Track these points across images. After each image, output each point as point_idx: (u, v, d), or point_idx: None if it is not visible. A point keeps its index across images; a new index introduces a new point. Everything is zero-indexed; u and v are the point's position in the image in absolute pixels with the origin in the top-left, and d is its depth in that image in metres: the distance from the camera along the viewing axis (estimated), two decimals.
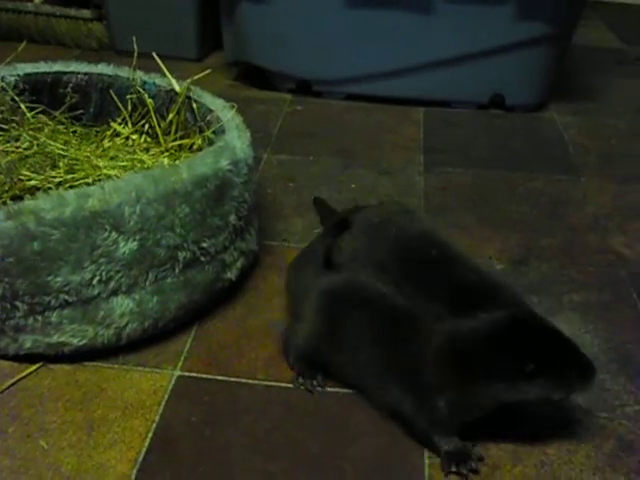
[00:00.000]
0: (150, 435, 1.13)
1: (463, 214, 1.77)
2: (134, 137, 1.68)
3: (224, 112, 1.50)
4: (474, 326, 1.07)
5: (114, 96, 1.69)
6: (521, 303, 1.20)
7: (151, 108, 1.64)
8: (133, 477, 1.06)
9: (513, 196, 1.86)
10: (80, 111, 1.72)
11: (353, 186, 1.87)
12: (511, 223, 1.74)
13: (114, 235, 1.18)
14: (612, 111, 2.41)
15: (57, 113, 1.68)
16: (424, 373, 1.07)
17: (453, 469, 1.07)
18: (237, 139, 1.38)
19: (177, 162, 1.32)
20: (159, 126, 1.64)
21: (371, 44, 2.24)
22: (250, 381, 1.24)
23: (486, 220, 1.75)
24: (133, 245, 1.20)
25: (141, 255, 1.21)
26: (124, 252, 1.19)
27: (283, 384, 1.24)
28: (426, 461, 1.10)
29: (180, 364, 1.27)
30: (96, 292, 1.20)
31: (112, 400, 1.19)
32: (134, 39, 1.72)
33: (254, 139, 1.71)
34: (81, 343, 1.23)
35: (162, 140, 1.62)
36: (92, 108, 1.74)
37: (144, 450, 1.10)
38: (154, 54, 1.68)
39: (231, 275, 1.39)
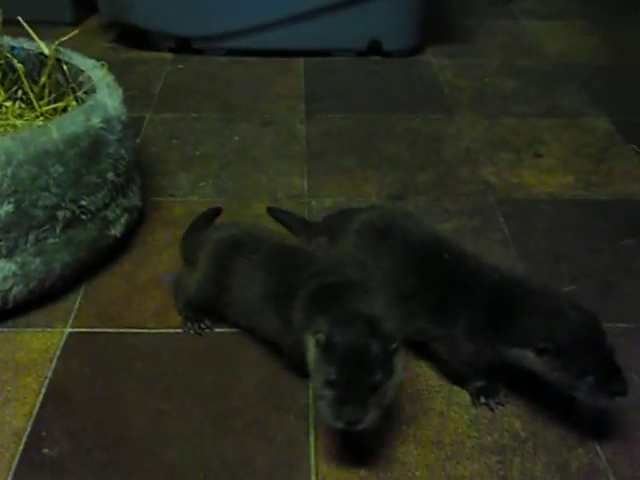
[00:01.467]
0: (43, 390, 1.16)
1: (344, 157, 1.84)
2: (7, 104, 1.65)
3: (95, 72, 1.51)
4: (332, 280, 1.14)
5: None
6: None
7: (22, 73, 1.62)
8: (29, 430, 1.09)
9: (392, 137, 1.95)
10: None
11: (236, 139, 1.91)
12: (390, 162, 1.83)
13: None
14: (484, 51, 2.52)
15: None
16: (296, 310, 1.14)
17: None
18: (108, 97, 1.39)
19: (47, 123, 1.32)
20: (32, 91, 1.62)
21: None
22: (140, 330, 1.29)
23: (366, 161, 1.82)
24: (9, 208, 1.21)
25: (18, 217, 1.22)
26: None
27: (172, 330, 1.29)
28: (310, 385, 1.18)
29: (71, 321, 1.30)
30: None
31: (3, 362, 1.21)
32: None
33: (136, 100, 1.72)
34: None
35: (36, 105, 1.61)
36: None
37: (38, 404, 1.13)
38: (19, 18, 1.65)
39: (115, 232, 1.41)
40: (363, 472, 1.05)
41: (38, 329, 1.28)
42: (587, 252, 1.51)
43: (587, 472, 1.06)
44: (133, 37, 2.45)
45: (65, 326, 1.29)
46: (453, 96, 2.19)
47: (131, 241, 1.50)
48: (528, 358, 1.09)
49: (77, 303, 1.34)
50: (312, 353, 1.03)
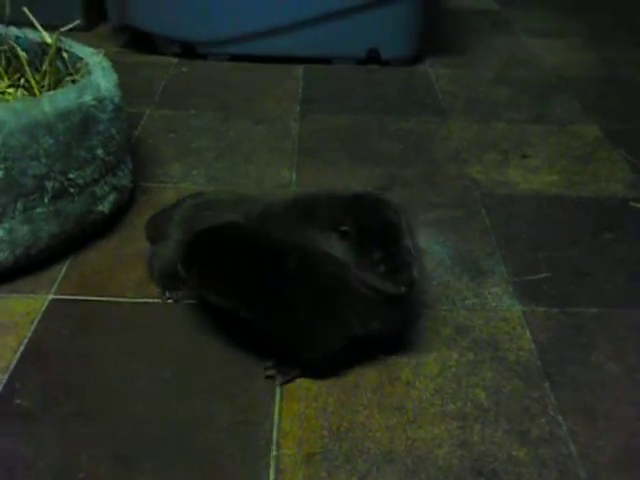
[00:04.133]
0: (22, 348, 1.20)
1: (334, 153, 1.88)
2: (10, 91, 1.72)
3: (92, 58, 1.57)
4: None
5: None
6: None
7: (24, 60, 1.69)
8: (4, 382, 1.12)
9: (383, 136, 2.00)
10: None
11: (231, 134, 1.96)
12: (379, 158, 1.87)
13: None
14: (481, 63, 2.58)
15: None
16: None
17: None
18: (102, 78, 1.45)
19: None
20: (33, 78, 1.69)
21: (250, 3, 2.34)
22: (120, 299, 1.32)
23: (356, 157, 1.87)
24: None
25: (7, 184, 1.27)
26: None
27: (151, 300, 1.32)
28: None
29: (54, 289, 1.34)
30: None
31: None
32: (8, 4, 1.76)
33: (138, 97, 1.75)
34: None
35: (37, 91, 1.67)
36: None
37: (15, 360, 1.17)
38: (24, 9, 1.73)
39: (103, 208, 1.46)
40: (325, 431, 1.07)
41: (22, 295, 1.32)
42: (565, 243, 1.54)
43: (547, 439, 1.07)
44: (141, 42, 2.53)
45: (48, 293, 1.33)
46: (447, 102, 2.24)
47: (120, 221, 1.54)
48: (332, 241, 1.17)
49: (62, 273, 1.38)
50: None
